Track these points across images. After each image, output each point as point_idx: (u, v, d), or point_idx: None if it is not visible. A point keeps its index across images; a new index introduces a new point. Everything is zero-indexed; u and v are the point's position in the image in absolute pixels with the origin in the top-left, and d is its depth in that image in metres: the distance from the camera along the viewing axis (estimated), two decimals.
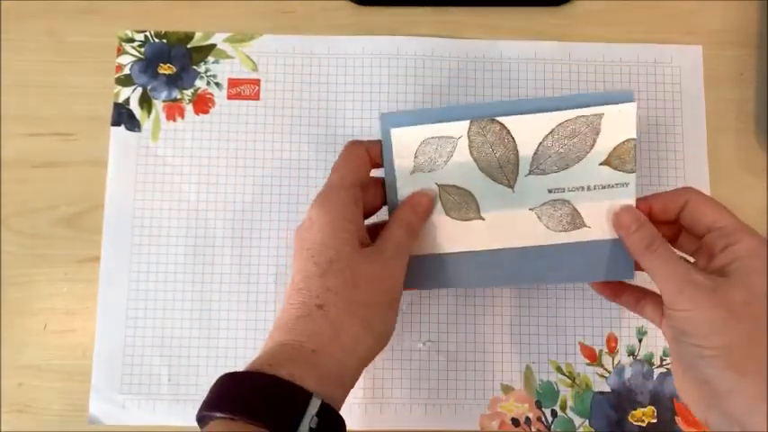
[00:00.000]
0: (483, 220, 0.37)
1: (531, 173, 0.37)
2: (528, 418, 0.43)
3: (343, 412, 0.45)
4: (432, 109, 0.37)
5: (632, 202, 0.36)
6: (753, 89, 0.47)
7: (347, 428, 0.43)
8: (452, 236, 0.38)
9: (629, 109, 0.36)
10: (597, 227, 0.37)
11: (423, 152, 0.37)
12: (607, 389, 0.44)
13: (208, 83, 0.46)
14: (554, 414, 0.43)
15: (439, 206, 0.37)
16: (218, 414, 0.29)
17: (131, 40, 0.47)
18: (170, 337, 0.44)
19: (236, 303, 0.44)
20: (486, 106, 0.38)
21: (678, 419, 0.43)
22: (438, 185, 0.37)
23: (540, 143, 0.36)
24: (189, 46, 0.47)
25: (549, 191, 0.37)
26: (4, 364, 0.43)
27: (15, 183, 0.45)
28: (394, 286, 0.35)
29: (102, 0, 0.47)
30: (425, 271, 0.38)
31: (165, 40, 0.47)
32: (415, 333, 0.44)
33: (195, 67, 0.47)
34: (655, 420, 0.43)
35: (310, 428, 0.29)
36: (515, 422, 0.43)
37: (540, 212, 0.37)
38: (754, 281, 0.31)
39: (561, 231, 0.37)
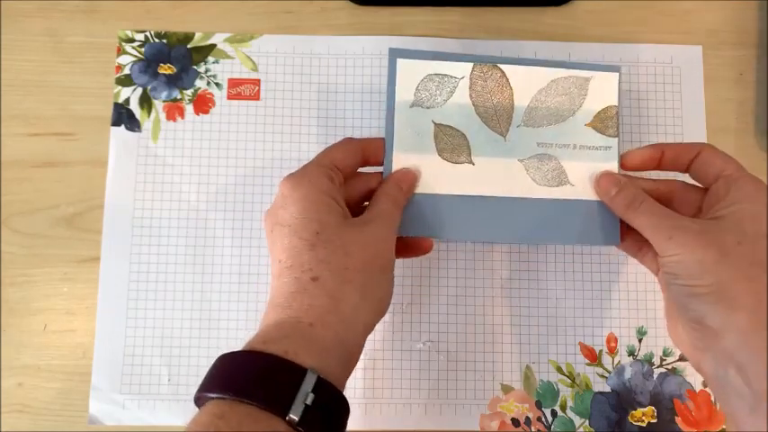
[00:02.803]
0: (473, 164, 0.38)
1: (523, 124, 0.39)
2: (528, 418, 0.43)
3: None
4: (439, 52, 0.39)
5: (615, 165, 0.38)
6: (753, 89, 0.47)
7: (348, 429, 0.43)
8: (442, 176, 0.38)
9: (613, 78, 0.39)
10: (581, 186, 0.39)
11: (424, 87, 0.38)
12: (607, 389, 0.44)
13: (208, 83, 0.46)
14: (554, 414, 0.43)
15: (433, 146, 0.38)
16: (211, 395, 0.29)
17: (131, 40, 0.47)
18: (170, 337, 0.44)
19: (236, 303, 0.44)
20: (491, 57, 0.39)
21: (678, 419, 0.43)
22: (434, 123, 0.38)
23: (535, 96, 0.39)
24: (189, 46, 0.47)
25: (538, 144, 0.39)
26: (4, 365, 0.43)
27: (15, 183, 0.45)
28: (385, 251, 0.34)
29: (102, 0, 0.47)
30: (412, 212, 0.38)
31: (165, 40, 0.47)
32: (415, 333, 0.44)
33: (195, 67, 0.47)
34: (655, 420, 0.43)
35: (305, 405, 0.28)
36: (515, 422, 0.43)
37: (528, 164, 0.39)
38: (747, 223, 0.31)
39: (546, 186, 0.38)
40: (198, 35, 0.47)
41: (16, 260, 0.45)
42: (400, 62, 0.38)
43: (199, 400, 0.29)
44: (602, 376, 0.44)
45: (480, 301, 0.44)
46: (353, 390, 0.43)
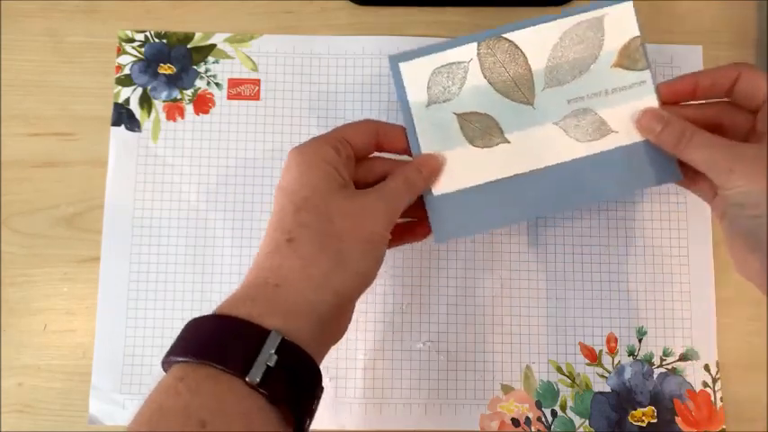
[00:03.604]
0: (509, 142, 0.37)
1: (547, 86, 0.37)
2: (528, 418, 0.43)
3: (342, 411, 0.44)
4: (438, 43, 0.37)
5: (653, 98, 0.36)
6: None
7: (347, 429, 0.43)
8: (481, 165, 0.37)
9: (628, 7, 0.37)
10: (624, 131, 0.37)
11: (435, 82, 0.37)
12: (607, 389, 0.44)
13: (208, 83, 0.46)
14: (554, 414, 0.43)
15: (461, 137, 0.37)
16: (175, 358, 0.28)
17: (131, 40, 0.47)
18: (170, 337, 0.43)
19: None
20: (492, 30, 0.38)
21: (678, 419, 0.43)
22: (456, 115, 0.37)
23: (551, 54, 0.37)
24: (189, 46, 0.47)
25: (569, 101, 0.37)
26: (4, 365, 0.43)
27: (15, 183, 0.45)
28: (374, 224, 0.32)
29: (102, 0, 0.47)
30: (459, 212, 0.36)
31: (165, 40, 0.47)
32: (415, 333, 0.44)
33: (195, 67, 0.47)
34: (655, 420, 0.43)
35: (267, 367, 0.27)
36: (515, 422, 0.43)
37: (565, 125, 0.37)
38: None
39: (590, 141, 0.37)
40: (198, 35, 0.47)
41: (16, 260, 0.44)
42: (403, 66, 0.37)
43: (164, 366, 0.29)
44: (602, 376, 0.44)
45: (480, 301, 0.44)
46: (354, 390, 0.43)
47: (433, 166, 0.36)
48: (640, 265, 0.45)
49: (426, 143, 0.37)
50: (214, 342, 0.28)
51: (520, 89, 0.37)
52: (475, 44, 0.37)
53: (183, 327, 0.30)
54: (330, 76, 0.47)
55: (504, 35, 0.37)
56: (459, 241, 0.45)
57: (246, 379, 0.27)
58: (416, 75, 0.37)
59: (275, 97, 0.46)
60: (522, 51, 0.37)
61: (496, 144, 0.37)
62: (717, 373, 0.44)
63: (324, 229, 0.31)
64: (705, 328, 0.44)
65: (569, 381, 0.44)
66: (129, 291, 0.44)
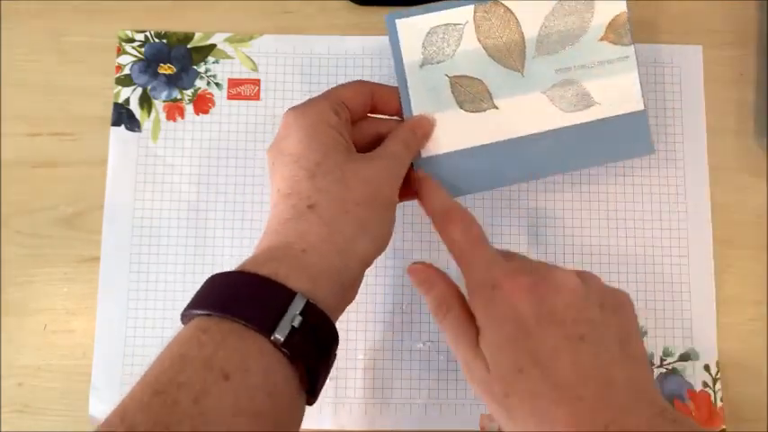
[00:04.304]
0: (497, 108, 0.38)
1: (537, 54, 0.38)
2: None
3: (342, 411, 0.44)
4: (435, 4, 0.38)
5: (635, 74, 0.38)
6: (753, 89, 0.47)
7: (347, 429, 0.43)
8: (469, 129, 0.38)
9: None
10: (607, 103, 0.38)
11: (430, 42, 0.37)
12: None
13: (208, 83, 0.46)
14: None
15: (452, 100, 0.38)
16: (196, 311, 0.28)
17: (131, 40, 0.47)
18: (170, 337, 0.43)
19: None
20: None
21: None
22: (449, 77, 0.38)
23: (543, 23, 0.38)
24: (189, 46, 0.47)
25: (557, 71, 0.38)
26: (4, 364, 0.43)
27: (15, 183, 0.45)
28: (386, 188, 0.33)
29: (102, 0, 0.47)
30: (445, 174, 0.37)
31: (165, 40, 0.47)
32: (415, 333, 0.44)
33: (195, 67, 0.47)
34: None
35: (292, 327, 0.27)
36: None
37: (552, 94, 0.38)
38: (501, 352, 0.29)
39: (573, 111, 0.38)
40: (198, 35, 0.47)
41: (16, 260, 0.44)
42: (400, 23, 0.37)
43: (184, 318, 0.29)
44: None
45: None
46: (354, 390, 0.43)
47: (426, 128, 0.37)
48: (640, 265, 0.45)
49: (418, 105, 0.37)
50: (239, 297, 0.28)
51: (511, 56, 0.38)
52: (472, 6, 0.37)
53: (204, 281, 0.30)
54: (330, 76, 0.47)
55: (501, 0, 0.37)
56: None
57: (272, 338, 0.27)
58: (412, 33, 0.37)
59: (275, 97, 0.46)
60: (516, 18, 0.38)
61: (485, 109, 0.38)
62: (717, 373, 0.44)
63: (342, 194, 0.31)
64: (705, 328, 0.44)
65: None
66: (129, 291, 0.44)
